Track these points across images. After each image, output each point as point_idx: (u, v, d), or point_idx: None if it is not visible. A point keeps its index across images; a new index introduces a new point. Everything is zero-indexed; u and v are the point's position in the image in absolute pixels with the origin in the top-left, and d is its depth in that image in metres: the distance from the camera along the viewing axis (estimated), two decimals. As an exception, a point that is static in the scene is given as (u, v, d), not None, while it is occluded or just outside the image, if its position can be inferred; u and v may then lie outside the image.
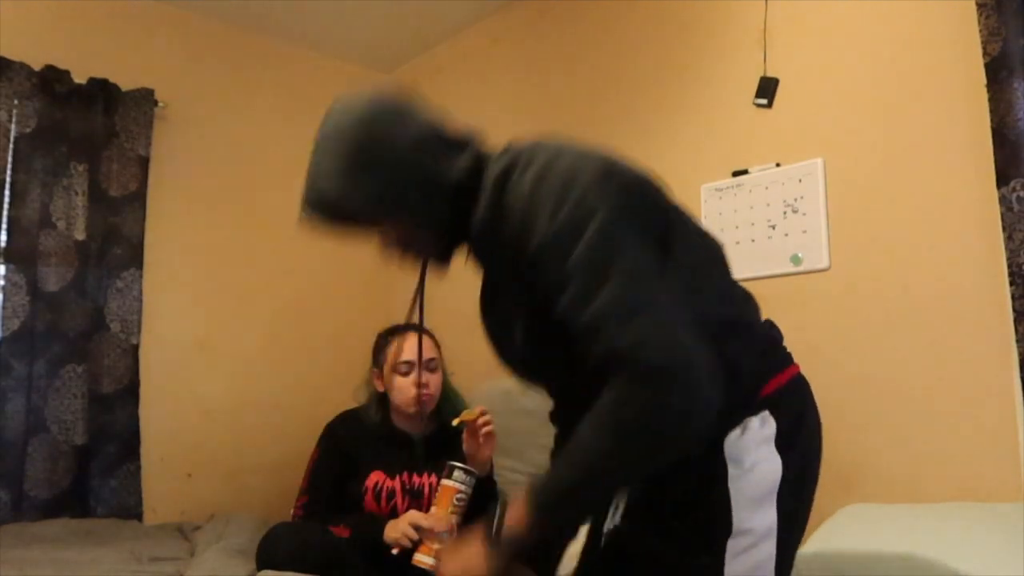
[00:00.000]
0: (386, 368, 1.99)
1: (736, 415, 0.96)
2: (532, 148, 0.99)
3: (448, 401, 2.04)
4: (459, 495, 1.67)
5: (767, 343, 1.11)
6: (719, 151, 2.24)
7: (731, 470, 0.95)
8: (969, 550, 1.28)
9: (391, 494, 1.92)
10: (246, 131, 3.07)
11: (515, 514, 0.95)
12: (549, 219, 0.90)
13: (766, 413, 0.98)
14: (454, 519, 1.68)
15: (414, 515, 1.73)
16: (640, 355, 0.85)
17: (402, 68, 3.51)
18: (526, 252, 0.92)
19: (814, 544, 1.44)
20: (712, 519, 0.95)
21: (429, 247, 1.11)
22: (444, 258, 1.14)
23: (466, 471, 1.67)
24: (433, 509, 1.71)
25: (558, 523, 0.98)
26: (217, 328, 2.88)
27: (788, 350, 1.15)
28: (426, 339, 2.02)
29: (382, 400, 2.02)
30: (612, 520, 1.04)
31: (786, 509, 0.98)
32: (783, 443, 0.98)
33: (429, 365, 1.98)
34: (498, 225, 0.97)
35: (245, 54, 3.11)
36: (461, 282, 3.41)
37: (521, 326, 1.02)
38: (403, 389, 1.94)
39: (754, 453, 0.96)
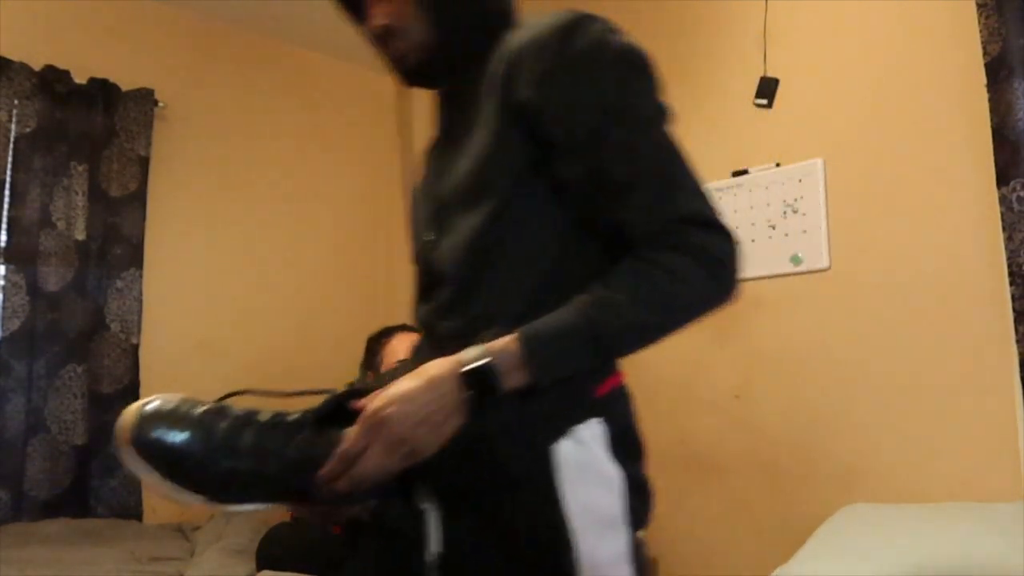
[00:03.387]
0: (383, 370, 1.98)
1: (564, 417, 0.80)
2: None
3: None
4: None
5: None
6: (719, 151, 2.24)
7: (567, 487, 0.78)
8: (969, 550, 1.27)
9: (390, 493, 1.92)
10: (246, 131, 3.07)
11: (502, 349, 0.76)
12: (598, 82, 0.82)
13: (597, 420, 0.81)
14: None
15: None
16: (718, 223, 0.80)
17: (402, 68, 3.50)
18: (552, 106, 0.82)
19: (814, 544, 1.44)
20: (552, 550, 0.77)
21: (416, 39, 0.90)
22: (419, 71, 0.93)
23: None
24: None
25: (552, 372, 0.77)
26: (217, 328, 2.88)
27: None
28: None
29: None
30: (428, 551, 0.83)
31: (635, 529, 0.82)
32: (618, 451, 0.82)
33: None
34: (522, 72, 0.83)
35: (245, 54, 3.11)
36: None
37: (497, 193, 0.85)
38: None
39: (593, 464, 0.80)
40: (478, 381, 0.74)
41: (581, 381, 0.81)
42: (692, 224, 0.79)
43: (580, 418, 0.81)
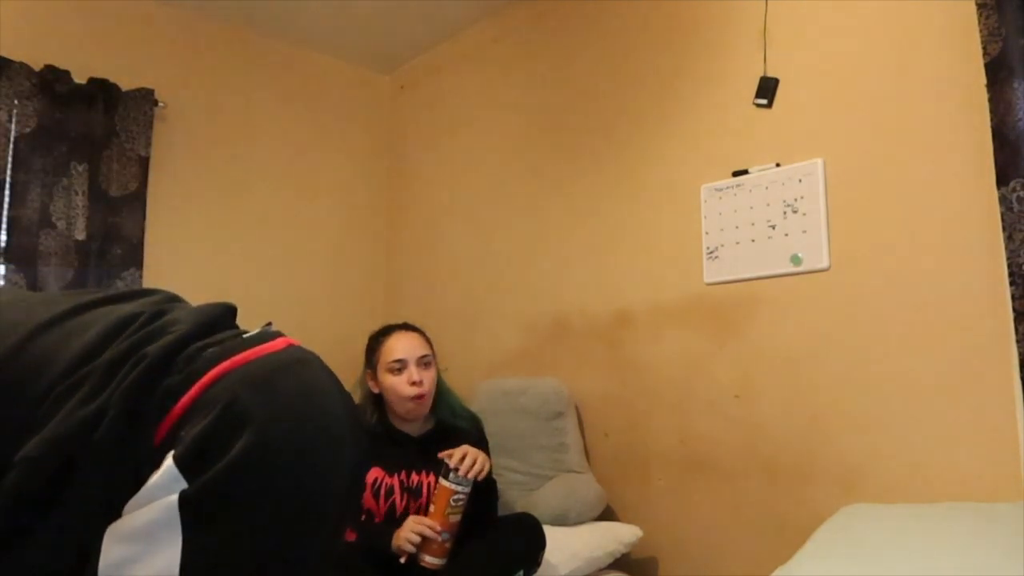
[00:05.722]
0: (380, 368, 1.99)
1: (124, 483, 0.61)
2: None
3: (442, 398, 2.04)
4: (456, 496, 1.69)
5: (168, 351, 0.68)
6: (719, 151, 2.24)
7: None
8: (969, 550, 1.27)
9: (390, 491, 1.92)
10: (246, 131, 3.07)
11: None
12: None
13: (169, 462, 0.60)
14: (453, 519, 1.69)
15: (416, 523, 1.72)
16: None
17: (402, 68, 3.51)
18: None
19: (814, 544, 1.43)
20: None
21: None
22: None
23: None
24: (432, 508, 1.72)
25: None
26: (217, 328, 2.88)
27: (239, 335, 0.73)
28: (419, 336, 2.03)
29: (377, 401, 2.02)
30: None
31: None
32: (199, 498, 0.59)
33: (423, 361, 1.98)
34: None
35: (245, 54, 3.11)
36: (461, 278, 3.40)
37: None
38: (398, 388, 1.94)
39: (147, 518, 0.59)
40: None
41: (140, 429, 0.63)
42: None
43: (151, 468, 0.62)
